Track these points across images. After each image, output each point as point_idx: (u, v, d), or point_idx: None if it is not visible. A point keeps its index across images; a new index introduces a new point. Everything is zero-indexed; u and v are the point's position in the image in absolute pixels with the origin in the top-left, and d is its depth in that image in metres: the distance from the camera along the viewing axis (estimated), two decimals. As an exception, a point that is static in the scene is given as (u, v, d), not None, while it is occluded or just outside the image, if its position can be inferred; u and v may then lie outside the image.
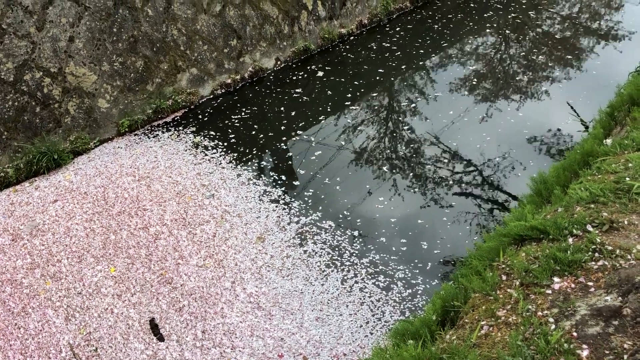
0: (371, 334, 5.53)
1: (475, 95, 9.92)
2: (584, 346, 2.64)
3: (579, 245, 3.38)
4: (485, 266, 3.87)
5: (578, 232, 3.54)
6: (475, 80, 10.47)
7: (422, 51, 11.42)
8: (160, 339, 5.53)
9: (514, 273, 3.43)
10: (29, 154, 7.67)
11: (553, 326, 2.83)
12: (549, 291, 3.13)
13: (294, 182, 7.74)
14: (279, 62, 10.65)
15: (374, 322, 5.66)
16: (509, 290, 3.31)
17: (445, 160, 8.20)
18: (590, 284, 3.07)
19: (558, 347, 2.65)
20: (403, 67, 10.84)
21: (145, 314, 5.78)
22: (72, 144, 8.10)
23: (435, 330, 3.58)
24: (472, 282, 3.64)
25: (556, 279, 3.18)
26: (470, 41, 12.00)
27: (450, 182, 7.75)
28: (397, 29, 12.38)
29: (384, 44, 11.67)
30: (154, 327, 5.63)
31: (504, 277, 3.49)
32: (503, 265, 3.63)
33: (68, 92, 8.15)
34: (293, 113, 9.32)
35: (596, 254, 3.27)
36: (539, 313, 2.97)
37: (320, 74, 10.48)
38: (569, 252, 3.34)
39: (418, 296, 5.94)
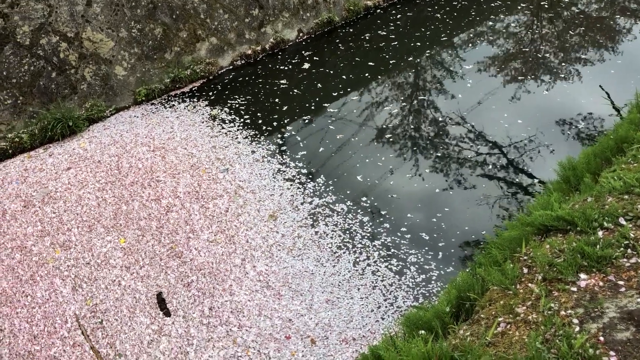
0: (382, 319, 5.34)
1: (504, 76, 9.52)
2: (612, 353, 2.40)
3: (610, 239, 3.11)
4: (505, 257, 3.63)
5: (609, 225, 3.27)
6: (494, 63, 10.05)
7: (460, 23, 10.99)
8: (167, 314, 5.42)
9: (537, 266, 3.18)
10: (44, 120, 7.56)
11: (577, 328, 2.59)
12: (574, 289, 2.88)
13: (310, 161, 7.51)
14: (301, 34, 10.34)
15: (386, 307, 5.47)
16: (530, 285, 3.07)
17: (469, 143, 7.88)
18: (621, 283, 2.81)
19: (582, 353, 2.41)
20: (444, 38, 10.45)
21: (152, 288, 5.68)
22: (87, 111, 7.98)
23: (448, 323, 3.36)
24: (490, 273, 3.40)
25: (583, 276, 2.93)
26: (501, 18, 11.51)
27: (473, 163, 7.45)
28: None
29: (409, 14, 11.25)
30: (161, 302, 5.53)
31: (525, 271, 3.25)
32: (525, 257, 3.38)
33: (84, 58, 7.99)
34: (317, 87, 9.05)
35: (629, 250, 3.00)
36: (562, 312, 2.73)
37: (341, 47, 10.15)
38: (598, 246, 3.08)
39: (432, 282, 5.72)
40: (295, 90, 8.96)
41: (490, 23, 11.22)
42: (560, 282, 2.96)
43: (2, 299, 5.54)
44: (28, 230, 6.30)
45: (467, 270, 4.53)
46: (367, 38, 10.36)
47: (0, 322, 5.33)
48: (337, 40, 10.32)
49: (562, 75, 9.42)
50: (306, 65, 9.54)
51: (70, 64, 7.86)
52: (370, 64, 9.65)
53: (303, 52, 9.98)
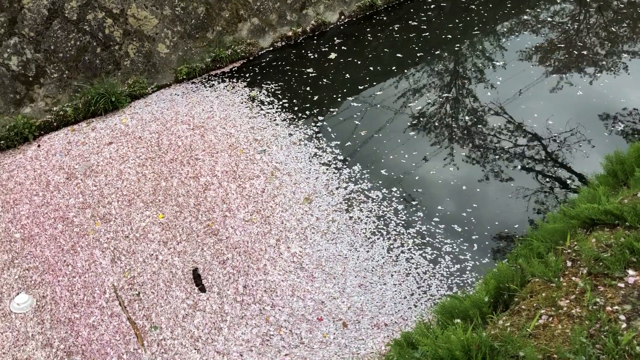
0: (415, 306, 5.33)
1: (546, 67, 9.27)
2: (660, 351, 2.34)
3: (661, 236, 3.02)
4: (548, 249, 3.56)
5: (660, 222, 3.17)
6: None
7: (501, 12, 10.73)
8: (202, 289, 5.51)
9: (582, 260, 3.11)
10: (88, 95, 7.71)
11: (624, 325, 2.53)
12: (622, 284, 2.81)
13: (346, 147, 7.49)
14: (342, 17, 10.25)
15: (419, 294, 5.44)
16: (574, 278, 3.01)
17: (505, 135, 7.73)
18: (671, 281, 2.73)
19: (629, 350, 2.36)
20: (475, 31, 10.24)
21: (189, 264, 5.77)
22: (129, 88, 8.10)
23: (486, 313, 3.32)
24: (532, 265, 3.35)
25: (631, 272, 2.85)
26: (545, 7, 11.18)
27: (508, 155, 7.31)
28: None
29: None
30: (197, 278, 5.62)
31: (569, 264, 3.18)
32: (569, 250, 3.31)
33: (129, 35, 8.10)
34: (347, 75, 8.99)
35: (680, 249, 2.91)
36: (608, 308, 2.67)
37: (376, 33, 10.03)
38: (648, 243, 2.99)
39: (467, 272, 5.67)
40: (337, 74, 8.91)
41: (526, 17, 10.86)
42: (606, 277, 2.90)
43: (45, 266, 5.72)
44: (70, 202, 6.47)
45: (505, 261, 4.47)
46: (397, 29, 10.14)
47: (43, 289, 5.51)
48: (368, 30, 10.10)
49: (606, 69, 9.13)
50: (332, 56, 9.34)
51: (115, 40, 7.98)
52: (399, 55, 9.45)
53: (335, 39, 9.80)
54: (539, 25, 10.51)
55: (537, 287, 3.14)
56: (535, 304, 2.99)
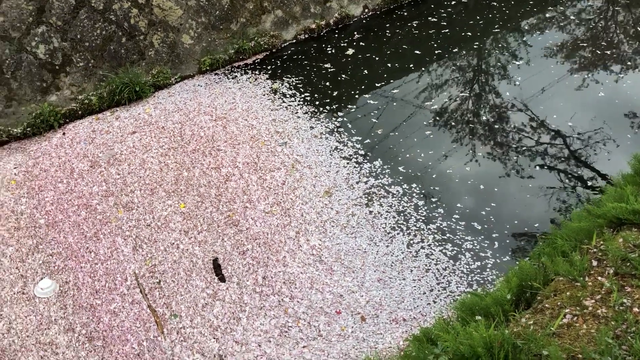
0: (434, 302, 5.31)
1: (567, 63, 9.11)
2: (689, 354, 2.30)
3: (691, 238, 2.96)
4: (572, 248, 3.51)
5: (690, 223, 3.11)
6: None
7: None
8: (222, 279, 5.55)
9: (608, 260, 3.07)
10: (112, 84, 7.78)
11: (652, 326, 2.49)
12: (650, 286, 2.76)
13: (368, 142, 7.47)
14: (366, 10, 10.20)
15: (439, 290, 5.42)
16: (600, 278, 2.96)
17: (528, 133, 7.63)
18: (701, 284, 2.67)
19: (657, 352, 2.32)
20: (495, 29, 10.11)
21: (209, 253, 5.82)
22: (153, 78, 8.16)
23: (508, 311, 3.29)
24: (556, 263, 3.31)
25: (659, 274, 2.81)
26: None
27: (530, 153, 7.22)
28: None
29: None
30: (217, 267, 5.66)
31: (594, 263, 3.14)
32: (595, 250, 3.26)
33: (154, 25, 8.15)
34: (366, 72, 8.94)
35: None
36: (635, 309, 2.63)
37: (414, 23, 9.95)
38: (677, 244, 2.94)
39: (488, 270, 5.63)
40: (359, 68, 8.88)
41: (548, 14, 10.65)
42: (634, 278, 2.85)
43: (68, 252, 5.81)
44: (94, 190, 6.55)
45: (527, 259, 4.43)
46: (416, 25, 10.01)
47: (66, 275, 5.60)
48: (388, 25, 9.99)
49: (632, 68, 8.93)
50: (350, 51, 9.26)
51: (140, 30, 8.04)
52: (417, 52, 9.35)
53: (355, 34, 9.71)
54: (562, 23, 10.33)
55: (561, 286, 3.10)
56: (559, 303, 2.95)
